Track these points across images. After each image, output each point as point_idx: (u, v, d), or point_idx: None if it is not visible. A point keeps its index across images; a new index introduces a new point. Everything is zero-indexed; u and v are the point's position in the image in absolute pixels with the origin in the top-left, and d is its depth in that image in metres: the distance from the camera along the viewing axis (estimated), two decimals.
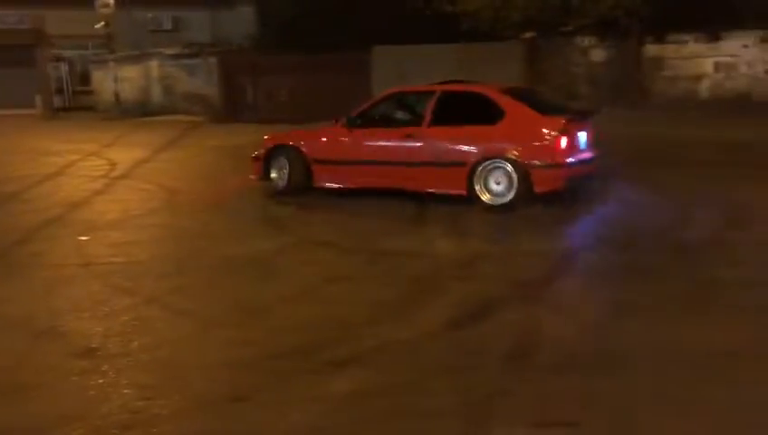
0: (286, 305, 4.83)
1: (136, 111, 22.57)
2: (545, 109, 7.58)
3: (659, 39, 16.28)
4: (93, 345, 4.15)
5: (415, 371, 3.72)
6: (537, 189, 7.09)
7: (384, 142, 7.97)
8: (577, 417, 3.18)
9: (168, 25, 28.53)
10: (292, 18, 21.22)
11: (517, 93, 7.88)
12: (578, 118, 7.54)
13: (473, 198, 7.33)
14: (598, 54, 17.26)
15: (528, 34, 17.81)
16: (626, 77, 16.47)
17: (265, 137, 8.95)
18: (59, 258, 6.20)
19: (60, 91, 28.08)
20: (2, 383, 3.71)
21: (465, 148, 7.43)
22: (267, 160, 8.56)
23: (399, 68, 17.20)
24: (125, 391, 3.54)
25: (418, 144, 7.66)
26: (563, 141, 7.08)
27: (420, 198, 7.69)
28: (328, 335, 4.23)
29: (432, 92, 7.90)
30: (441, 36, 17.43)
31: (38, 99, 25.72)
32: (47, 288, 5.32)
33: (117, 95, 23.17)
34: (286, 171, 8.38)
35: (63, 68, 28.07)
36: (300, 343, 4.14)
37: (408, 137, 7.74)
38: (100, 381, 3.68)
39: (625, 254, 5.85)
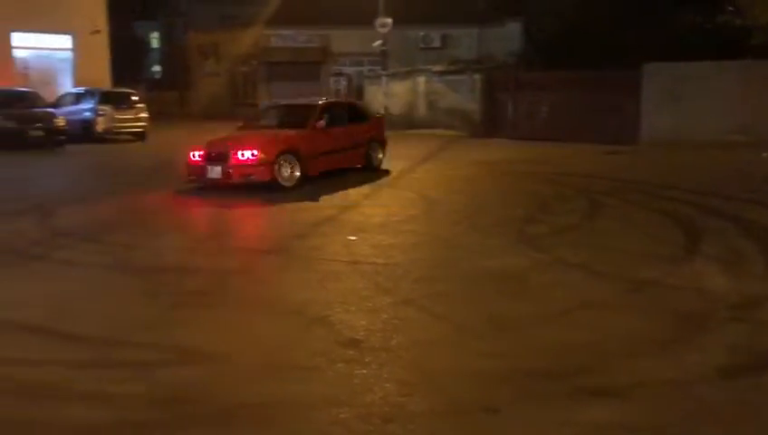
0: (539, 325, 4.78)
1: (402, 124, 23.97)
2: None
3: None
4: (358, 337, 4.49)
5: (680, 414, 3.44)
6: None
7: None
8: None
9: (437, 43, 29.87)
10: (558, 34, 20.95)
11: None
12: None
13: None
14: None
15: None
16: None
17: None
18: (331, 254, 6.81)
19: None
20: (278, 361, 4.17)
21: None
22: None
23: (675, 87, 16.08)
24: (386, 384, 3.77)
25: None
26: None
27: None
28: (582, 362, 4.09)
29: None
30: (722, 53, 15.94)
31: None
32: (320, 280, 5.86)
33: (386, 108, 24.80)
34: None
35: (342, 83, 30.83)
36: (552, 364, 4.06)
37: None
38: (364, 371, 3.96)
39: None
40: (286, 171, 10.67)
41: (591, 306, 5.13)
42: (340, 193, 10.58)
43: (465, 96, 22.16)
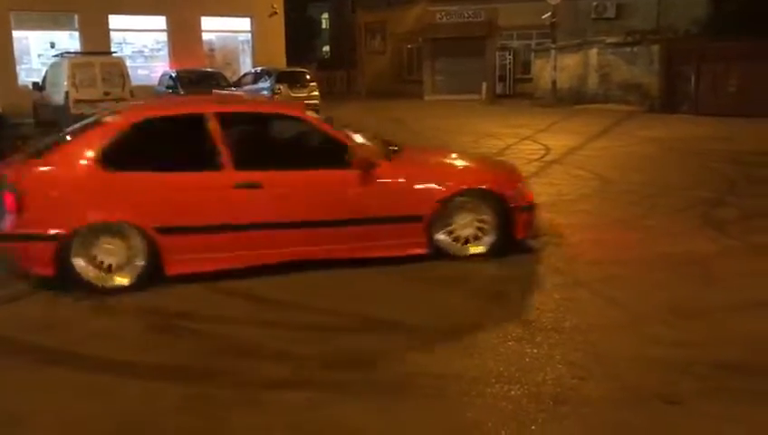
0: (728, 315, 4.42)
1: (570, 99, 23.08)
2: None
3: None
4: (529, 317, 4.42)
5: None
6: None
7: None
8: None
9: (611, 13, 28.26)
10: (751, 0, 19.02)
11: None
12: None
13: None
14: None
15: None
16: None
17: None
18: None
19: (502, 78, 30.28)
20: (456, 332, 4.20)
21: None
22: None
23: None
24: (558, 365, 3.69)
25: None
26: None
27: None
28: None
29: None
30: None
31: (483, 85, 28.20)
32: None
33: (554, 83, 23.98)
34: None
35: (508, 57, 30.17)
36: (745, 357, 3.76)
37: None
38: (535, 350, 3.90)
39: None
40: None
41: None
42: None
43: (641, 69, 20.84)
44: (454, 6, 30.49)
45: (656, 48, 20.29)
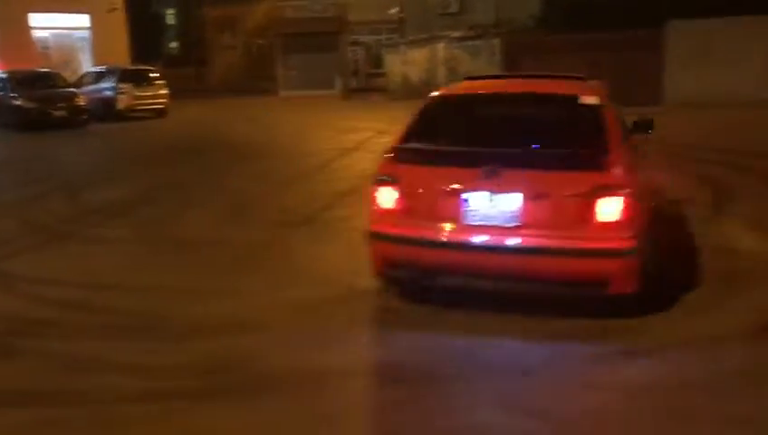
0: None
1: (421, 92, 23.72)
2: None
3: None
4: (395, 305, 4.52)
5: (714, 371, 3.43)
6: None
7: None
8: None
9: (455, 8, 29.39)
10: None
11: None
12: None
13: None
14: None
15: None
16: None
17: None
18: (360, 224, 6.76)
19: (355, 73, 30.67)
20: (314, 330, 4.21)
21: None
22: None
23: (700, 45, 15.70)
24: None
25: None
26: (382, 194, 4.37)
27: None
28: (623, 322, 4.07)
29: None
30: (751, 8, 15.48)
31: (337, 80, 28.41)
32: (351, 250, 5.88)
33: (405, 77, 24.61)
34: None
35: (360, 52, 30.60)
36: (584, 325, 4.05)
37: None
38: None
39: None
40: None
41: None
42: (363, 163, 10.56)
43: (484, 62, 21.88)
44: (303, 2, 30.43)
45: (496, 42, 21.38)
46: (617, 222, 3.85)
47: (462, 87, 5.28)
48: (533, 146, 4.21)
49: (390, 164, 4.36)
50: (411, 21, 26.48)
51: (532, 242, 3.93)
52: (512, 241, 3.97)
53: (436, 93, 5.03)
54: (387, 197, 4.26)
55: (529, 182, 3.96)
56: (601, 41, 17.77)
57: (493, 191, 3.99)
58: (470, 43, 22.74)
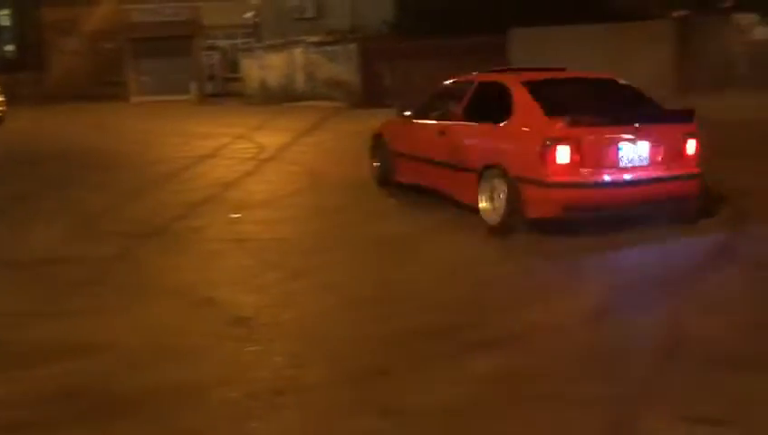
0: (427, 286, 4.90)
1: (280, 97, 23.60)
2: (576, 107, 5.89)
3: None
4: (247, 315, 4.41)
5: (562, 357, 3.66)
6: (528, 214, 5.72)
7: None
8: (728, 414, 3.00)
9: (311, 13, 29.39)
10: (430, 2, 21.24)
11: (542, 84, 6.35)
12: (628, 120, 5.77)
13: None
14: (760, 32, 15.92)
15: (681, 12, 16.75)
16: None
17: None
18: (214, 234, 6.64)
19: (211, 78, 29.89)
20: (167, 345, 4.04)
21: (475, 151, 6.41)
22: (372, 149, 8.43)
23: (540, 51, 16.75)
24: (276, 358, 3.75)
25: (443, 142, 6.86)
26: (558, 152, 5.51)
27: None
28: (470, 317, 4.25)
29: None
30: (585, 17, 16.78)
31: (192, 86, 27.55)
32: (204, 261, 5.72)
33: (263, 82, 24.31)
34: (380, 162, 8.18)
35: (215, 57, 29.85)
36: (441, 322, 4.19)
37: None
38: (254, 348, 3.92)
39: None
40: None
41: (480, 265, 5.32)
42: (219, 170, 10.32)
43: (342, 67, 22.09)
44: (152, 5, 29.23)
45: (353, 47, 21.66)
46: (695, 155, 5.93)
47: (541, 75, 6.76)
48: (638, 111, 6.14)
49: (564, 129, 5.54)
50: (267, 25, 26.21)
51: (657, 174, 5.80)
52: (647, 175, 5.77)
53: (529, 80, 6.41)
54: (564, 154, 5.54)
55: (653, 133, 5.80)
56: (452, 46, 18.52)
57: (635, 141, 5.69)
58: (328, 48, 22.87)
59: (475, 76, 7.11)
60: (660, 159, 5.82)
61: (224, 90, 29.38)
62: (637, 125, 5.70)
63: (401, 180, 7.75)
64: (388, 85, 20.62)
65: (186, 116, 20.92)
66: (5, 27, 47.12)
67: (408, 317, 4.29)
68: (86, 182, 9.98)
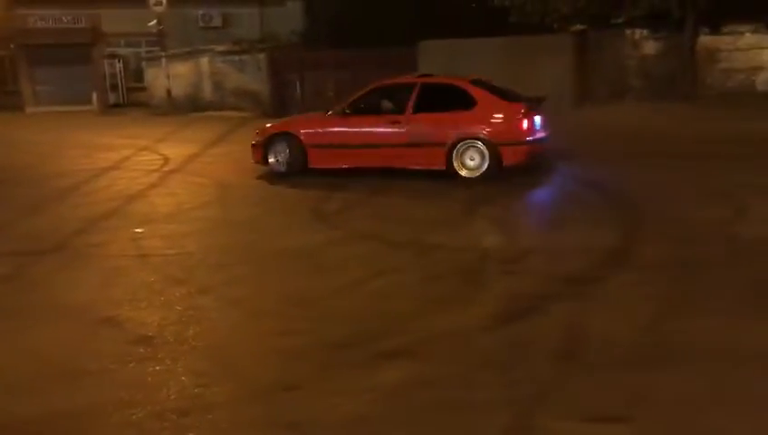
0: (334, 298, 4.89)
1: (187, 107, 23.04)
2: (507, 96, 9.05)
3: (714, 30, 15.82)
4: (150, 333, 4.28)
5: (463, 363, 3.74)
6: (505, 163, 8.61)
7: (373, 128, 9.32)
8: (627, 413, 3.15)
9: (218, 22, 28.98)
10: (339, 13, 21.35)
11: (482, 84, 9.25)
12: (533, 104, 8.94)
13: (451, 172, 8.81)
14: (650, 47, 16.88)
15: (578, 27, 17.54)
16: (679, 69, 16.05)
17: (267, 125, 10.35)
18: (116, 249, 6.39)
19: (114, 87, 28.82)
20: (63, 368, 3.86)
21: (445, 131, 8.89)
22: (266, 147, 9.86)
23: (447, 62, 17.16)
24: (181, 378, 3.65)
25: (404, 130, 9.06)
26: (525, 123, 8.66)
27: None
28: (376, 327, 4.28)
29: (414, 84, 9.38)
30: (489, 30, 17.30)
31: (94, 95, 26.47)
32: (105, 278, 5.50)
33: (169, 91, 23.66)
34: (286, 155, 9.69)
35: (118, 65, 28.81)
36: (348, 334, 4.20)
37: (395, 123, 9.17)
38: (158, 368, 3.80)
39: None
40: (276, 158, 9.80)
41: (384, 273, 5.36)
42: (122, 183, 9.96)
43: (251, 76, 21.81)
44: (50, 11, 27.92)
45: (262, 56, 21.43)
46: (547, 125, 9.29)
47: (470, 77, 9.51)
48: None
49: (525, 108, 8.82)
50: (172, 34, 25.55)
51: (543, 135, 9.14)
52: (541, 135, 9.09)
53: (473, 80, 9.40)
54: (526, 124, 8.74)
55: (539, 111, 8.99)
56: (362, 57, 18.65)
57: (538, 115, 8.94)
58: (236, 57, 22.53)
59: (416, 79, 9.71)
60: (541, 126, 8.93)
61: (128, 100, 28.40)
62: (536, 106, 8.92)
63: (317, 166, 9.55)
64: (298, 95, 20.54)
65: (86, 127, 20.05)
66: None
67: (312, 330, 4.27)
68: None
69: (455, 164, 8.72)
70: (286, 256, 6.02)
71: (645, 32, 16.71)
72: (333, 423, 3.18)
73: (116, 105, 27.75)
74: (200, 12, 28.61)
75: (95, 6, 27.86)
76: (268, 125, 10.35)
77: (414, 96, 9.02)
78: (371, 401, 3.33)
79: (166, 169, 11.30)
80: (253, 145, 10.10)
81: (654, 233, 6.21)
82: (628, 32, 16.95)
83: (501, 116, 8.67)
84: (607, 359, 3.71)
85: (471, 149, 8.67)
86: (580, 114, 15.43)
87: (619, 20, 17.04)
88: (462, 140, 8.66)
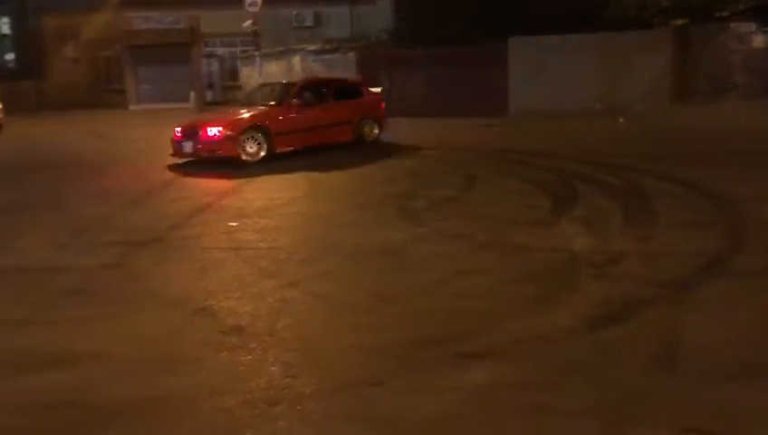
0: (419, 295, 4.90)
1: None
2: (374, 86, 14.12)
3: None
4: (242, 324, 4.43)
5: (551, 367, 3.66)
6: (384, 130, 13.61)
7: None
8: (722, 426, 3.00)
9: (310, 22, 29.56)
10: (428, 11, 21.30)
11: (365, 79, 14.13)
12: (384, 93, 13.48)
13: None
14: (758, 41, 15.96)
15: (679, 21, 16.79)
16: None
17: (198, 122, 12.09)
18: (210, 242, 6.65)
19: (211, 86, 29.93)
20: (162, 354, 4.05)
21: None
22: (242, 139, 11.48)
23: (538, 59, 16.82)
24: (271, 368, 3.76)
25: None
26: (383, 104, 13.99)
27: None
28: (461, 327, 4.25)
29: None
30: (583, 26, 16.82)
31: (191, 93, 27.58)
32: (200, 269, 5.72)
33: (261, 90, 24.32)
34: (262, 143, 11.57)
35: (215, 64, 29.91)
36: (433, 332, 4.20)
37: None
38: (249, 357, 3.92)
39: None
40: (252, 148, 11.41)
41: (469, 273, 5.33)
42: (217, 178, 10.34)
43: (341, 74, 22.12)
44: (152, 13, 29.31)
45: (352, 55, 21.70)
46: None
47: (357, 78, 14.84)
48: None
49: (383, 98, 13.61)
50: (266, 33, 26.27)
51: None
52: None
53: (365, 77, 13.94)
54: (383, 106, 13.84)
55: None
56: (451, 54, 18.56)
57: None
58: (327, 56, 22.92)
59: (330, 79, 14.59)
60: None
61: (223, 98, 29.43)
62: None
63: (282, 150, 11.92)
64: (386, 93, 20.64)
65: None
66: (5, 36, 47.23)
67: (398, 327, 4.30)
68: (83, 190, 10.01)
69: (356, 135, 12.94)
70: (372, 251, 6.07)
71: (752, 25, 15.82)
72: (418, 421, 3.18)
73: (212, 103, 28.79)
74: (293, 12, 29.26)
75: (194, 8, 29.02)
76: (197, 121, 12.25)
77: (330, 91, 12.90)
78: (456, 401, 3.32)
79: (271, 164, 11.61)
80: (227, 139, 11.20)
81: (757, 239, 5.87)
82: (733, 25, 16.09)
83: (375, 101, 13.50)
84: (702, 369, 3.55)
85: (368, 124, 13.17)
86: (680, 113, 14.79)
87: (724, 13, 16.19)
88: (361, 120, 13.00)
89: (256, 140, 11.49)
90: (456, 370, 3.66)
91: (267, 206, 8.19)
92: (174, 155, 11.92)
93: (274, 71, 24.75)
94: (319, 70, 23.02)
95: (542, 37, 16.98)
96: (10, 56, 47.49)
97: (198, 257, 6.13)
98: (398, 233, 6.62)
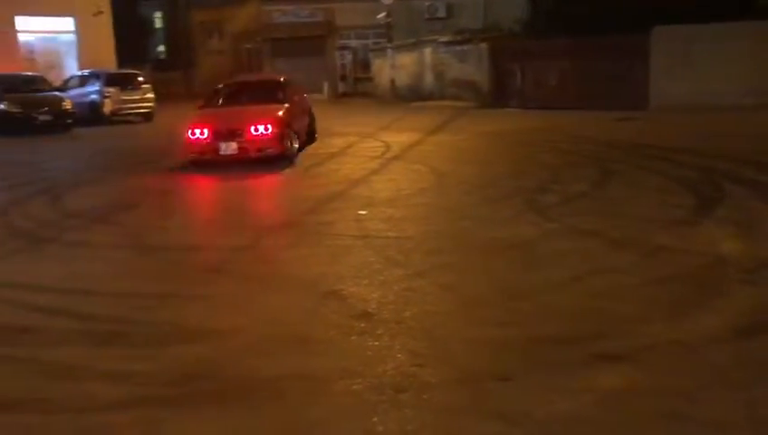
0: (550, 292, 4.77)
1: (409, 97, 23.83)
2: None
3: None
4: (370, 310, 4.51)
5: (691, 376, 3.45)
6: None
7: None
8: None
9: (442, 13, 29.53)
10: (564, 0, 20.64)
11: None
12: None
13: None
14: None
15: None
16: None
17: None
18: (341, 229, 6.82)
19: (343, 77, 30.68)
20: (294, 334, 4.21)
21: None
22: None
23: (684, 50, 15.85)
24: (398, 355, 3.80)
25: None
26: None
27: None
28: (594, 327, 4.10)
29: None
30: (736, 14, 15.65)
31: (325, 85, 28.41)
32: (332, 255, 5.89)
33: (392, 81, 24.63)
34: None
35: (348, 56, 30.61)
36: (564, 331, 4.08)
37: None
38: (376, 343, 3.99)
39: None
40: (295, 143, 11.59)
41: (603, 272, 5.12)
42: (347, 168, 10.58)
43: (472, 66, 21.97)
44: (290, 6, 30.45)
45: (484, 46, 21.47)
46: None
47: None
48: None
49: None
50: (399, 25, 26.55)
51: None
52: None
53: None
54: None
55: None
56: (587, 46, 17.90)
57: None
58: (458, 47, 22.83)
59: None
60: None
61: (355, 89, 30.08)
62: None
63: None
64: (518, 85, 20.27)
65: (318, 115, 21.57)
66: (158, 29, 50.82)
67: (526, 323, 4.21)
68: (227, 176, 10.59)
69: None
70: (499, 245, 5.99)
71: None
72: (546, 419, 3.11)
73: (344, 94, 29.51)
74: (426, 3, 29.33)
75: (330, 1, 29.84)
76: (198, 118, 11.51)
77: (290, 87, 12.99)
78: (588, 403, 3.21)
79: (387, 155, 11.80)
80: (277, 136, 10.83)
81: None
82: None
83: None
84: None
85: None
86: None
87: None
88: None
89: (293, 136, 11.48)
90: (589, 371, 3.53)
91: (395, 196, 8.29)
92: (194, 155, 10.93)
93: (406, 62, 24.97)
94: (450, 61, 22.97)
95: (688, 26, 15.97)
96: (161, 48, 51.06)
97: (329, 243, 6.31)
98: (528, 228, 6.49)
